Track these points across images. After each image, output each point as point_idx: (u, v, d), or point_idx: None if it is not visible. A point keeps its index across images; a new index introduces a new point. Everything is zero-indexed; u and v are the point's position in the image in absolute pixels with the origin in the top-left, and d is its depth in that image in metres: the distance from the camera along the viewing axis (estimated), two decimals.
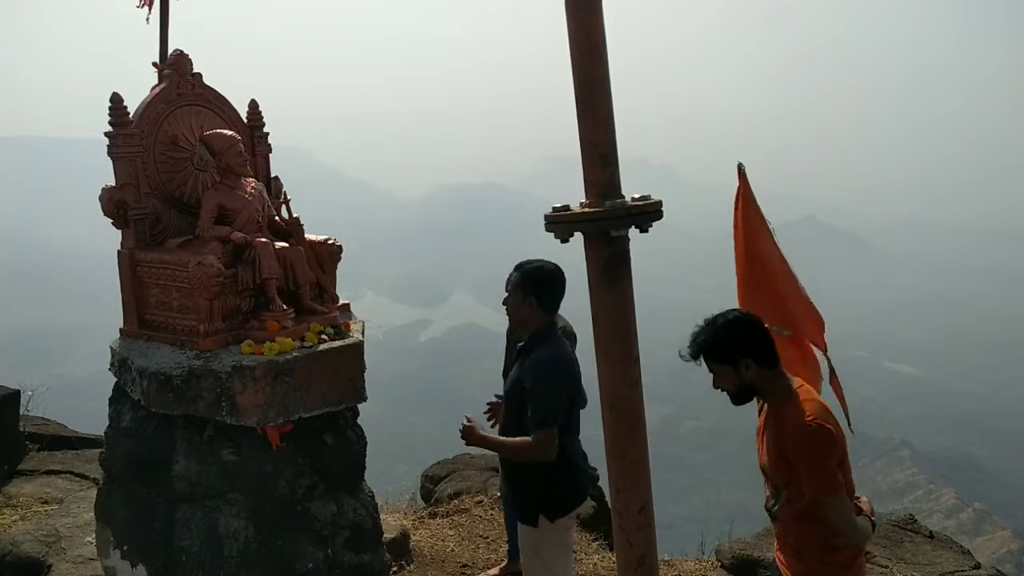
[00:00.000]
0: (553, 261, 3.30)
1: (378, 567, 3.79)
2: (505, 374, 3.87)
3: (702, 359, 2.57)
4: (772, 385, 2.54)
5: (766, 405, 2.63)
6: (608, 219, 1.71)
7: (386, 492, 6.82)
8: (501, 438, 3.28)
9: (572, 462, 3.27)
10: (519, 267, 3.30)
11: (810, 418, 2.41)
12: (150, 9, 4.11)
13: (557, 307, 3.30)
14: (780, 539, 2.72)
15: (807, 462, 2.41)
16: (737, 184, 3.30)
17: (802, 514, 2.52)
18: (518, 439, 3.16)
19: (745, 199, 3.31)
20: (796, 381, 2.58)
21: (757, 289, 3.26)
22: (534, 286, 3.22)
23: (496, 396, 3.84)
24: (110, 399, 3.85)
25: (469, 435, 3.20)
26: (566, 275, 3.28)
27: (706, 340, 2.54)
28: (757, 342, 2.52)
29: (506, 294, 3.37)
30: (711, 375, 2.60)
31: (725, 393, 2.60)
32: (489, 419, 3.79)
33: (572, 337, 4.20)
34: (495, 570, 4.60)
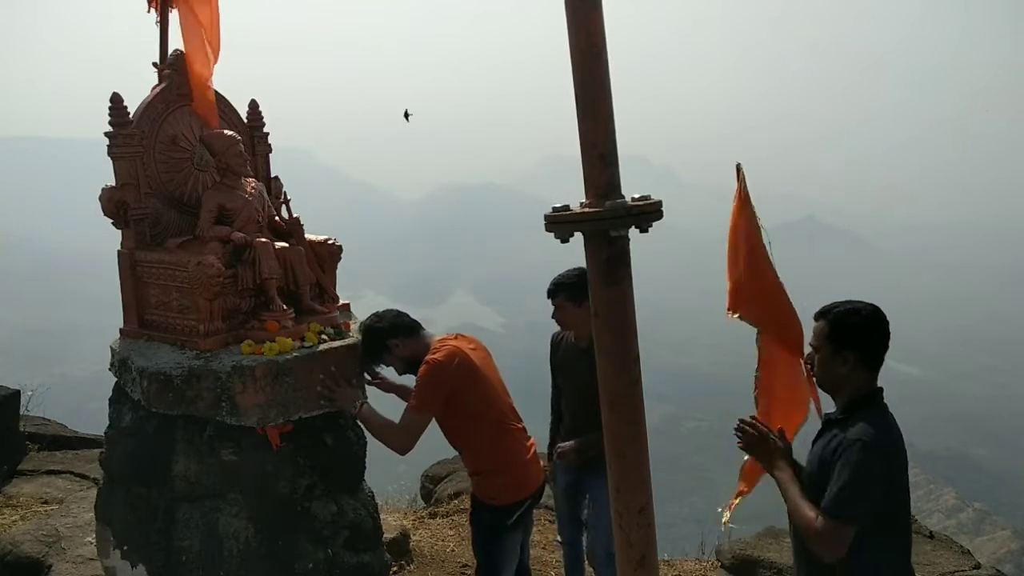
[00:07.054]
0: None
1: (378, 567, 3.78)
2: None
3: None
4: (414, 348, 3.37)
5: None
6: (608, 219, 1.71)
7: (386, 492, 6.82)
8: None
9: None
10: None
11: (431, 354, 3.22)
12: (159, 11, 4.07)
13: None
14: None
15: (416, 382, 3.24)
16: (736, 184, 3.31)
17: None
18: None
19: (742, 200, 3.31)
20: (443, 336, 3.40)
21: (749, 284, 3.23)
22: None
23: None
24: (110, 399, 3.84)
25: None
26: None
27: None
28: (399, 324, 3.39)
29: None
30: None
31: None
32: None
33: None
34: None
